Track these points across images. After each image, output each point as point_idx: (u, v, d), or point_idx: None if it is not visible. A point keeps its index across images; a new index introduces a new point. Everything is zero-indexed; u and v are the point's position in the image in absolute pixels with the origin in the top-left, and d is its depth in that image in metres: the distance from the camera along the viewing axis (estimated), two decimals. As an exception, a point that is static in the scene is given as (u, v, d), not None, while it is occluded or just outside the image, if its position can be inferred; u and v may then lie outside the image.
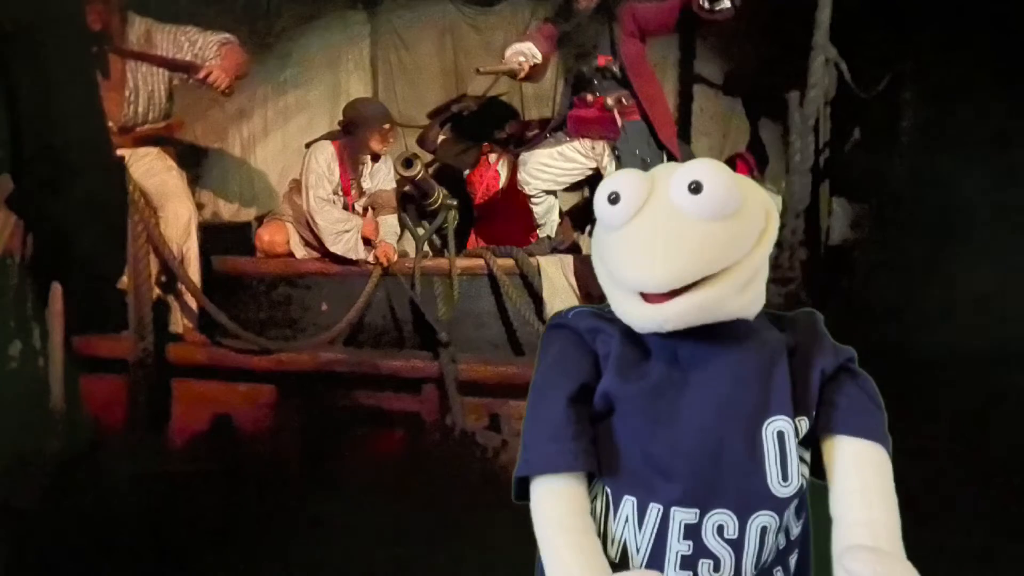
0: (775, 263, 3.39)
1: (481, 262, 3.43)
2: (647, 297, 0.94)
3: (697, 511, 0.94)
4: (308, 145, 3.61)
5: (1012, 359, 2.78)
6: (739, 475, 0.93)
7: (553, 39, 3.47)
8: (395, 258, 3.46)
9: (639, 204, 0.96)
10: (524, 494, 0.98)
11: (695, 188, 0.92)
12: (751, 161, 4.28)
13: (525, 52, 3.34)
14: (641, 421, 0.96)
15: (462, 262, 3.47)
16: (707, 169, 0.94)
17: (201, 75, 3.30)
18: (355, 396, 3.30)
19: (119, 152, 3.32)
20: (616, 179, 0.99)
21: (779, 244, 3.43)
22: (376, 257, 3.43)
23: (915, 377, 2.83)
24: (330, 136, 3.60)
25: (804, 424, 0.97)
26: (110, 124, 3.33)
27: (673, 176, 0.95)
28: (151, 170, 3.41)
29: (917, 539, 0.93)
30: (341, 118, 3.66)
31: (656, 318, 0.94)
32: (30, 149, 3.01)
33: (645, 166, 3.20)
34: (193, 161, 4.06)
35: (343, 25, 4.64)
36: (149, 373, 3.29)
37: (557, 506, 0.95)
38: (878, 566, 0.86)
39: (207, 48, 3.40)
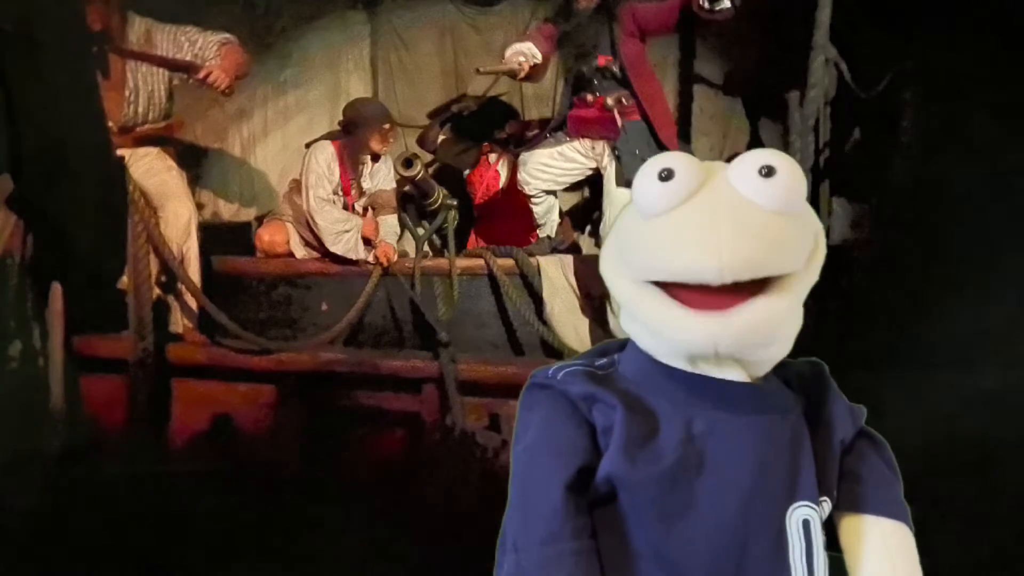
0: (775, 263, 3.39)
1: (481, 262, 3.43)
2: (693, 303, 0.78)
3: None
4: (308, 145, 3.61)
5: (1013, 359, 2.78)
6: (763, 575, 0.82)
7: (553, 39, 3.47)
8: (395, 258, 3.47)
9: (696, 185, 0.81)
10: None
11: (767, 172, 0.80)
12: (751, 161, 4.27)
13: (525, 52, 3.34)
14: (652, 514, 0.81)
15: (462, 262, 3.47)
16: (778, 155, 0.82)
17: (201, 75, 3.31)
18: (355, 396, 3.30)
19: (119, 152, 3.33)
20: (667, 157, 0.83)
21: (779, 244, 3.44)
22: (376, 257, 3.44)
23: (915, 377, 2.83)
24: (330, 136, 3.60)
25: (827, 506, 0.87)
26: (110, 124, 3.33)
27: (737, 160, 0.83)
28: (151, 170, 3.41)
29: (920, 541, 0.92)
30: (341, 118, 3.66)
31: (712, 330, 0.77)
32: (30, 149, 3.01)
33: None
34: (193, 161, 4.06)
35: (343, 25, 4.64)
36: (149, 373, 3.29)
37: None
38: None
39: (207, 48, 3.41)
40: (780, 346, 0.85)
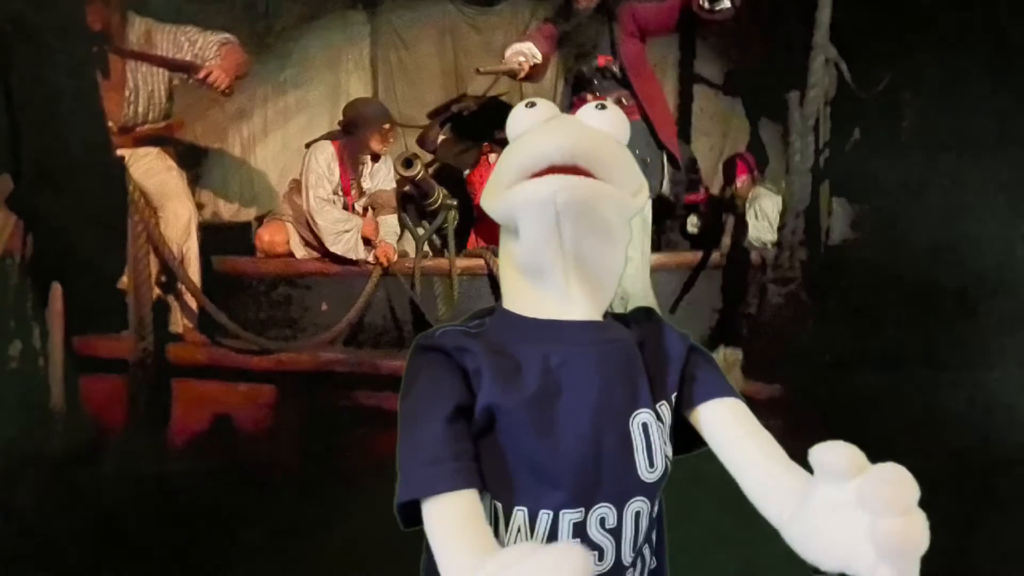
0: (775, 263, 3.40)
1: (481, 262, 3.42)
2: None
3: (583, 509, 0.99)
4: (308, 145, 3.61)
5: (1011, 359, 2.78)
6: (615, 470, 1.00)
7: (553, 39, 3.47)
8: (395, 258, 3.47)
9: (553, 114, 1.05)
10: (411, 522, 0.95)
11: (601, 107, 1.05)
12: (751, 161, 4.28)
13: (525, 52, 3.34)
14: (525, 433, 0.97)
15: (462, 262, 3.47)
16: (607, 103, 1.08)
17: (201, 75, 3.30)
18: (355, 396, 3.30)
19: (119, 152, 3.32)
20: (531, 99, 1.06)
21: (779, 244, 3.45)
22: (376, 257, 3.44)
23: (913, 376, 2.83)
24: (330, 136, 3.60)
25: (665, 409, 1.05)
26: (110, 124, 3.33)
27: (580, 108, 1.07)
28: (151, 170, 3.41)
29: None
30: (341, 118, 3.66)
31: (553, 185, 0.94)
32: (30, 149, 3.01)
33: (645, 167, 3.21)
34: (193, 161, 4.06)
35: (343, 25, 4.64)
36: (149, 373, 3.28)
37: (451, 515, 0.91)
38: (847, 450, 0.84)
39: (207, 48, 3.41)
40: (607, 282, 1.04)
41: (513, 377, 0.98)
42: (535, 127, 1.02)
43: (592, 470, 0.98)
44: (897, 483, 0.77)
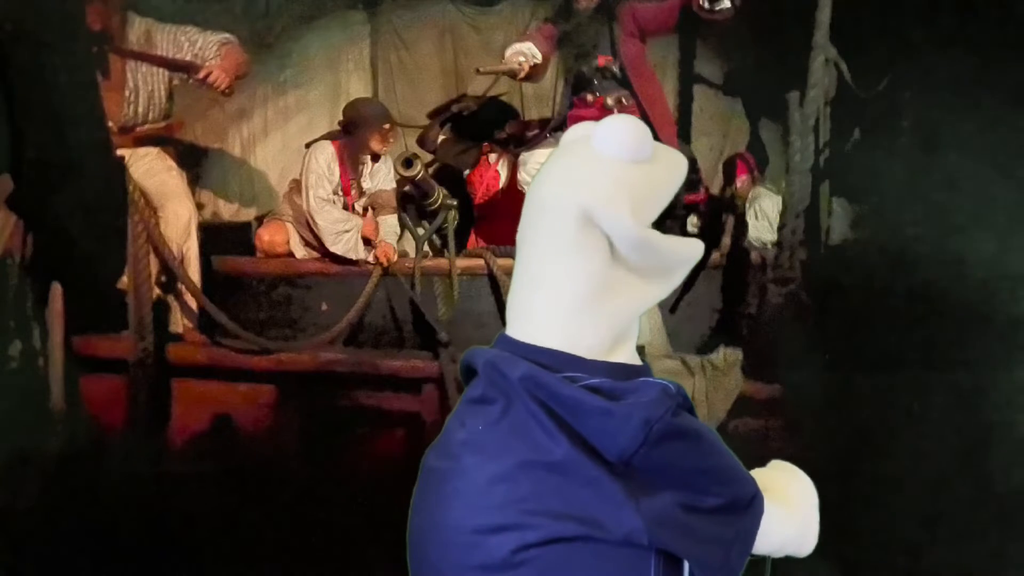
0: (775, 263, 3.40)
1: (481, 262, 3.43)
2: None
3: None
4: (308, 145, 3.61)
5: (1012, 362, 2.78)
6: None
7: (553, 39, 3.47)
8: (395, 258, 3.47)
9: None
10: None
11: None
12: (751, 161, 4.28)
13: (525, 52, 3.34)
14: None
15: (462, 262, 3.47)
16: None
17: (201, 75, 3.31)
18: (355, 396, 3.30)
19: (119, 152, 3.32)
20: (629, 118, 1.02)
21: (779, 244, 3.45)
22: (376, 257, 3.44)
23: (912, 376, 2.83)
24: (330, 136, 3.60)
25: None
26: (110, 124, 3.33)
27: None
28: (151, 170, 3.41)
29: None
30: (341, 118, 3.66)
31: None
32: (30, 149, 3.01)
33: (645, 166, 3.20)
34: (193, 161, 4.05)
35: (343, 25, 4.64)
36: (149, 373, 3.28)
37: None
38: None
39: (207, 48, 3.41)
40: None
41: None
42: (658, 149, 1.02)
43: None
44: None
